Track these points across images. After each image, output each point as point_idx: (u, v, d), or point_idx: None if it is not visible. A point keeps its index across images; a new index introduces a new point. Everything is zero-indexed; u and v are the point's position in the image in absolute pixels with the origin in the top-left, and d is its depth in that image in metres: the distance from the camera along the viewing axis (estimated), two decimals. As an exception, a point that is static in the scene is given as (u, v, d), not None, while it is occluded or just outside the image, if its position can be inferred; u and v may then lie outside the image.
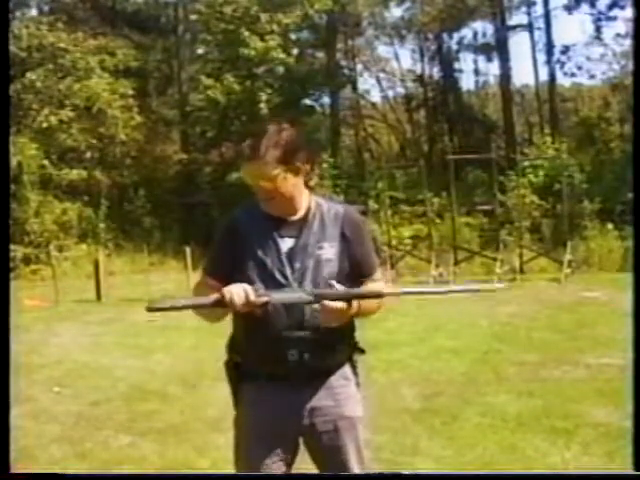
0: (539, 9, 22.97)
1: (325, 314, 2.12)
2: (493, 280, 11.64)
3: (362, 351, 2.39)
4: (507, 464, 3.86)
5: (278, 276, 2.21)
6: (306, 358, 2.20)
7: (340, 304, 2.11)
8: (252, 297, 2.08)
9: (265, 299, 2.11)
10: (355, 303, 2.15)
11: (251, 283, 2.19)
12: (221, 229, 2.38)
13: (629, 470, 2.84)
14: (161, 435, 4.64)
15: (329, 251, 2.24)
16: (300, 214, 2.29)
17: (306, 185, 2.30)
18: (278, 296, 2.13)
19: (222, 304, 2.11)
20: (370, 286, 2.27)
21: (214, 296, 2.12)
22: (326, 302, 2.10)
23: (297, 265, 2.22)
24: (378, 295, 2.22)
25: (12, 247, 14.12)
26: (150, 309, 2.13)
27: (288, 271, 2.21)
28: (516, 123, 23.02)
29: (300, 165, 2.24)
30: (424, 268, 12.59)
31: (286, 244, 2.25)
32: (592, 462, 3.84)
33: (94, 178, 18.54)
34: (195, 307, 2.21)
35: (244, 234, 2.28)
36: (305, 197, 2.30)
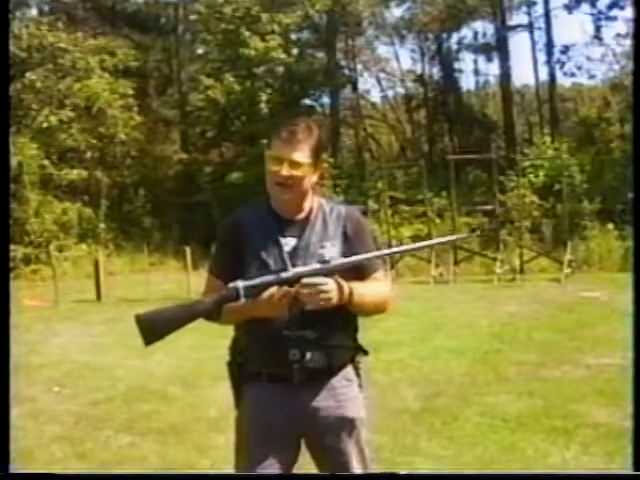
0: (539, 9, 23.00)
1: (308, 294, 2.10)
2: (493, 280, 11.67)
3: (365, 352, 2.38)
4: (507, 464, 3.86)
5: None
6: (308, 358, 2.20)
7: (322, 280, 2.10)
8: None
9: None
10: (346, 288, 2.14)
11: None
12: (224, 230, 2.40)
13: (629, 470, 2.84)
14: (161, 435, 4.64)
15: (331, 250, 2.25)
16: (303, 214, 2.30)
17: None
18: (257, 281, 2.13)
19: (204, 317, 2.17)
20: (367, 284, 2.26)
21: (197, 308, 2.18)
22: (304, 280, 2.09)
23: (299, 264, 2.22)
24: (360, 268, 2.21)
25: (12, 247, 14.12)
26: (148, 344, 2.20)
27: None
28: (516, 123, 23.00)
29: (320, 165, 2.30)
30: (424, 268, 12.60)
31: (288, 243, 2.26)
32: (592, 462, 3.84)
33: (94, 178, 18.56)
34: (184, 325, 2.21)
35: (247, 234, 2.29)
36: (309, 198, 2.32)
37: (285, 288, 2.11)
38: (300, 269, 2.14)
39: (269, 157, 2.24)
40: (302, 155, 2.21)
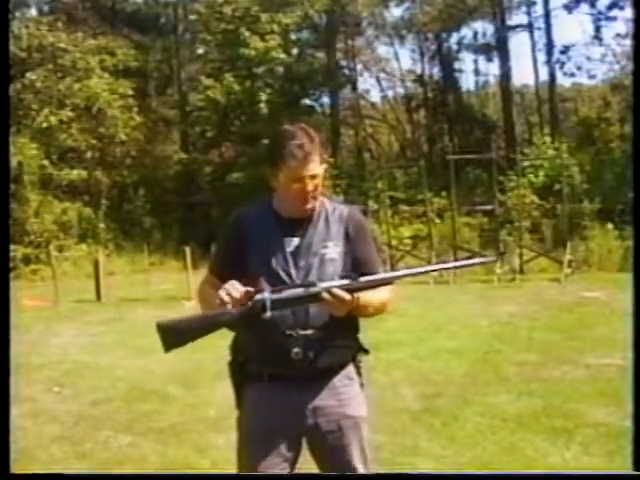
0: (539, 9, 23.02)
1: (329, 303, 2.11)
2: (493, 280, 11.66)
3: (366, 352, 2.39)
4: (507, 464, 3.86)
5: (282, 275, 2.22)
6: (310, 357, 2.21)
7: (344, 293, 2.11)
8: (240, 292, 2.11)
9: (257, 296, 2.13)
10: (355, 297, 2.15)
11: (256, 282, 2.19)
12: (226, 228, 2.40)
13: (629, 470, 2.84)
14: (161, 435, 4.64)
15: (333, 250, 2.26)
16: (306, 213, 2.30)
17: None
18: (285, 295, 2.13)
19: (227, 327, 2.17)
20: (372, 291, 2.26)
21: (220, 318, 2.16)
22: (334, 290, 2.09)
23: (301, 264, 2.23)
24: (384, 283, 2.22)
25: (12, 247, 14.12)
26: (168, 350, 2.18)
27: (292, 270, 2.23)
28: (516, 123, 23.01)
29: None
30: (424, 268, 12.57)
31: (291, 243, 2.26)
32: (592, 462, 3.83)
33: (94, 178, 18.56)
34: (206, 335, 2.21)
35: (249, 233, 2.29)
36: None
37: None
38: (328, 284, 2.13)
39: (288, 177, 2.21)
40: (317, 166, 2.23)
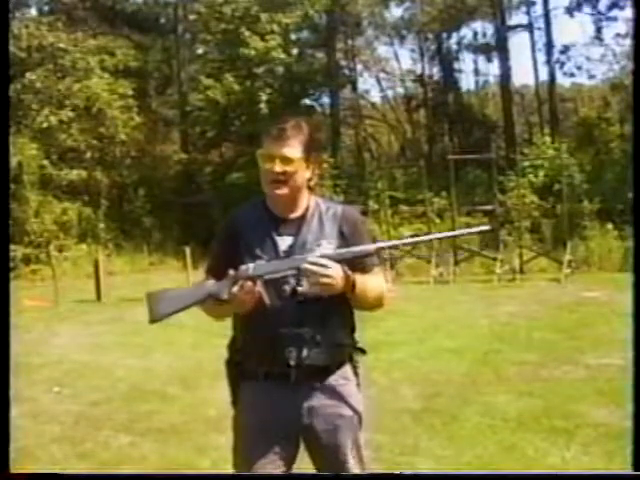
0: (539, 9, 23.00)
1: (317, 277, 2.12)
2: (493, 280, 11.67)
3: (363, 351, 2.39)
4: (507, 464, 3.86)
5: None
6: (304, 356, 2.21)
7: (332, 264, 2.13)
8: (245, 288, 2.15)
9: (257, 288, 2.16)
10: (351, 277, 2.18)
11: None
12: (221, 230, 2.42)
13: (629, 470, 2.84)
14: (161, 435, 4.64)
15: (327, 248, 2.25)
16: (299, 213, 2.31)
17: (307, 185, 2.33)
18: (269, 269, 2.17)
19: (214, 297, 2.19)
20: (368, 278, 2.27)
21: (207, 286, 2.20)
22: (313, 258, 2.13)
23: None
24: (369, 254, 2.26)
25: (12, 247, 14.11)
26: (154, 321, 2.21)
27: None
28: (516, 123, 22.99)
29: (314, 161, 2.31)
30: (424, 268, 12.59)
31: (285, 242, 2.27)
32: (592, 462, 3.84)
33: (94, 178, 18.56)
34: (193, 304, 2.23)
35: (243, 233, 2.30)
36: (305, 196, 2.33)
37: (250, 284, 2.15)
38: (312, 256, 2.17)
39: (261, 155, 2.27)
40: (293, 150, 2.23)
